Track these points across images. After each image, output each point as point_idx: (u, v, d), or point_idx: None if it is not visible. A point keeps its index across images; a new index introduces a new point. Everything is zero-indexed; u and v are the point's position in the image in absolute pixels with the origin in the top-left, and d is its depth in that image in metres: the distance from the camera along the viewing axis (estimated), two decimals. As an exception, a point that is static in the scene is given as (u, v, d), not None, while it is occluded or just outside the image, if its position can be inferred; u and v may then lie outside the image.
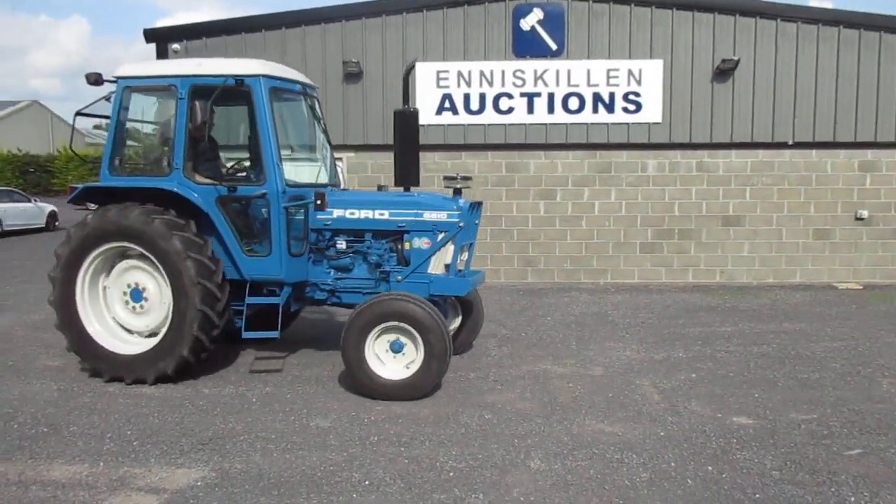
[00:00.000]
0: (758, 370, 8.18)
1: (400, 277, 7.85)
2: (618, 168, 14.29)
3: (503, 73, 14.13)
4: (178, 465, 5.60)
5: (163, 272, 7.36)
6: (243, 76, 7.44)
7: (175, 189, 7.48)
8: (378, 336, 7.15)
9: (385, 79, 14.15)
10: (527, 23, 13.98)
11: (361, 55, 14.08)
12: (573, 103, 14.10)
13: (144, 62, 8.24)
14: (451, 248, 7.85)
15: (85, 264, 7.58)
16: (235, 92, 7.56)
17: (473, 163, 14.44)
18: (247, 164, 8.46)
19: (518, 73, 14.12)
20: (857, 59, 13.91)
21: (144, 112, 8.53)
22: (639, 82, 13.98)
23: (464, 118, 14.28)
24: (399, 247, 7.95)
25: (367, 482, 5.31)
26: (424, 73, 14.08)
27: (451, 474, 5.44)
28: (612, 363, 8.52)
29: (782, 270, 14.48)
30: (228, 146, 9.36)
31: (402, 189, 8.47)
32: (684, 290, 13.95)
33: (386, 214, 7.87)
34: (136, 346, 7.66)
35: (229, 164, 8.67)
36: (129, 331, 7.82)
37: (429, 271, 7.83)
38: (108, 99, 8.18)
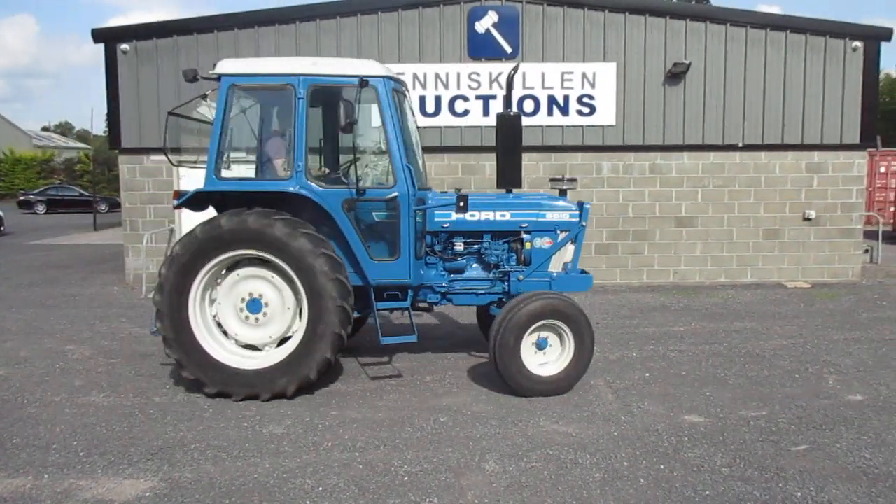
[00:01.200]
0: (709, 369, 8.32)
1: (521, 277, 7.94)
2: (573, 170, 14.41)
3: (458, 75, 14.15)
4: (126, 476, 5.47)
5: (298, 282, 7.01)
6: (368, 76, 7.14)
7: (305, 193, 7.15)
8: (530, 335, 7.22)
9: (340, 81, 14.04)
10: (482, 25, 14.03)
11: (314, 56, 13.94)
12: (528, 105, 14.18)
13: (243, 60, 7.62)
14: (570, 247, 8.10)
15: (203, 270, 7.08)
16: (332, 92, 7.44)
17: (430, 165, 14.33)
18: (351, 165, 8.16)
19: (473, 76, 14.16)
20: (803, 63, 14.26)
21: (250, 112, 8.13)
22: (593, 85, 14.13)
23: (420, 120, 14.17)
24: (519, 247, 8.04)
25: (320, 488, 5.25)
26: (380, 75, 14.01)
27: (406, 478, 5.42)
28: (568, 364, 8.57)
29: (733, 270, 14.76)
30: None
31: (503, 191, 8.33)
32: (639, 290, 14.13)
33: (507, 216, 7.94)
34: (256, 359, 7.23)
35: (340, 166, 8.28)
36: (241, 344, 7.34)
37: (549, 270, 8.00)
38: (203, 97, 7.83)
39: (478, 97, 14.24)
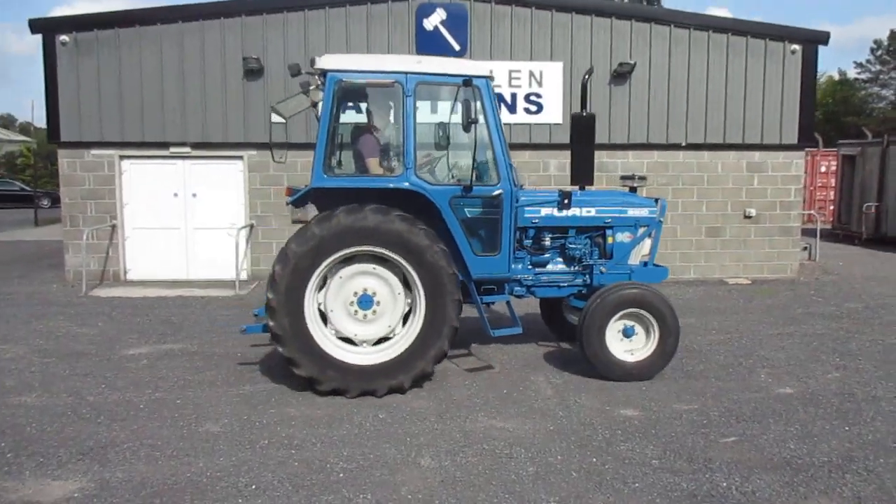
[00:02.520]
0: (647, 363, 8.49)
1: (604, 269, 8.32)
2: (520, 168, 14.42)
3: (407, 72, 14.11)
4: (55, 477, 5.36)
5: (416, 277, 7.13)
6: (472, 76, 7.29)
7: (418, 189, 7.25)
8: (616, 321, 7.61)
9: (287, 76, 13.88)
10: (430, 23, 14.04)
11: (262, 52, 13.81)
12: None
13: (344, 56, 7.62)
14: (648, 241, 8.56)
15: (321, 267, 7.06)
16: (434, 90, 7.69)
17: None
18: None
19: (422, 73, 14.12)
20: (744, 65, 14.60)
21: (354, 109, 8.20)
22: (540, 83, 14.27)
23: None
24: (601, 241, 8.40)
25: (253, 486, 5.23)
26: (327, 70, 13.93)
27: (341, 475, 5.42)
28: (510, 359, 8.66)
29: (677, 267, 15.02)
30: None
31: (577, 188, 8.56)
32: (585, 286, 14.29)
33: (593, 212, 8.30)
34: (370, 355, 7.28)
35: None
36: (346, 340, 7.35)
37: (628, 263, 8.44)
38: (305, 92, 7.77)
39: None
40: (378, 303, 7.27)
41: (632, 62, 14.14)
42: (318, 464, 5.61)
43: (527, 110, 14.31)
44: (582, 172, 7.77)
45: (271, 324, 7.06)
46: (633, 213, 8.42)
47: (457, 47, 14.13)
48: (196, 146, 13.97)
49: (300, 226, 13.95)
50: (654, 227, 8.56)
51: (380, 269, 7.28)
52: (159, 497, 5.06)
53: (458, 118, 7.15)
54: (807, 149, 15.78)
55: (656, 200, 8.62)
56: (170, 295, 12.73)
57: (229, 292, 12.90)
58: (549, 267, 8.45)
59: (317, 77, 7.55)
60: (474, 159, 7.34)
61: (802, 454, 5.83)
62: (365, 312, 7.27)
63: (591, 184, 8.26)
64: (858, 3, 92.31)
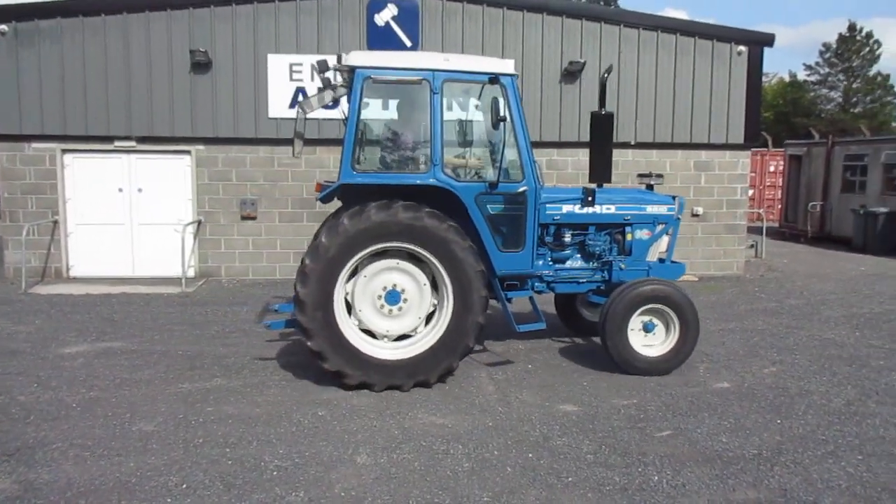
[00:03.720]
0: (590, 360, 8.56)
1: (623, 266, 8.46)
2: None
3: (358, 67, 14.02)
4: (-23, 479, 5.21)
5: (444, 274, 7.21)
6: (499, 74, 7.41)
7: (445, 186, 7.31)
8: (638, 316, 7.76)
9: (236, 70, 13.74)
10: (381, 18, 13.96)
11: (210, 45, 13.59)
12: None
13: (372, 53, 7.74)
14: (666, 238, 8.75)
15: (351, 262, 7.12)
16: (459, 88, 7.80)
17: (328, 157, 14.25)
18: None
19: (373, 69, 14.05)
20: (692, 66, 14.82)
21: (380, 105, 8.40)
22: (491, 81, 14.26)
23: (319, 112, 13.82)
24: (621, 238, 8.54)
25: (184, 486, 5.14)
26: (276, 65, 13.79)
27: (275, 473, 5.37)
28: (455, 356, 8.65)
29: (626, 264, 15.21)
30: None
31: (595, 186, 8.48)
32: (535, 283, 14.38)
33: (613, 209, 8.42)
34: (391, 350, 7.35)
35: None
36: (367, 333, 7.42)
37: (646, 260, 8.58)
38: (332, 88, 7.88)
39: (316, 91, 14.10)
40: (405, 299, 7.37)
41: (582, 61, 14.26)
42: (252, 462, 5.54)
43: (477, 107, 14.28)
44: (600, 170, 7.82)
45: (300, 317, 7.06)
46: (651, 210, 8.58)
47: (408, 43, 14.08)
48: (142, 140, 13.69)
49: (250, 221, 13.91)
50: (672, 224, 8.75)
51: (406, 265, 7.37)
52: (85, 498, 4.95)
53: (481, 115, 7.33)
54: (755, 149, 16.06)
55: (674, 198, 8.81)
56: (113, 292, 12.46)
57: (175, 289, 12.68)
58: (569, 263, 8.57)
59: (340, 74, 7.71)
60: (501, 156, 7.45)
61: (734, 447, 5.94)
62: (392, 308, 7.36)
63: (609, 182, 8.32)
64: (809, 6, 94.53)
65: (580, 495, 5.08)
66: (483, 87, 7.55)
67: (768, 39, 15.08)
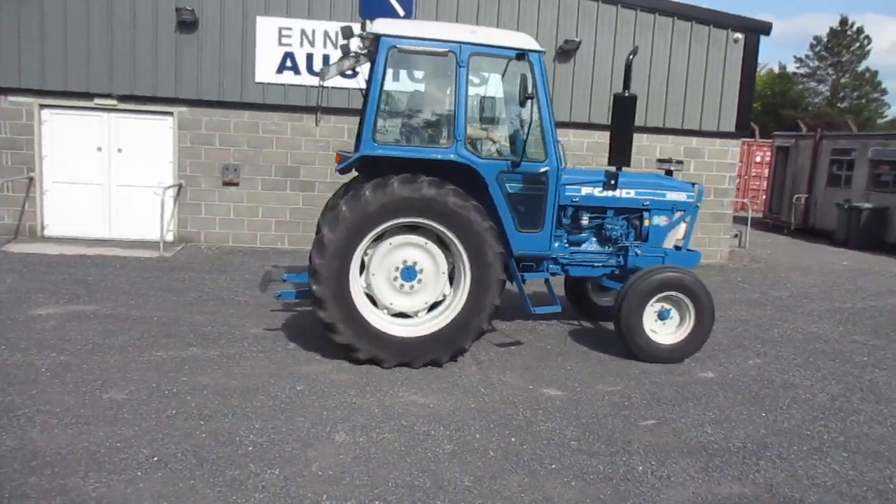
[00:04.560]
0: (574, 344, 8.46)
1: (639, 252, 8.35)
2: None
3: (350, 35, 13.69)
4: (-63, 443, 4.99)
5: (464, 254, 7.08)
6: (526, 49, 7.23)
7: (468, 162, 7.15)
8: (654, 303, 7.68)
9: (224, 29, 13.34)
10: (375, -16, 13.61)
11: (198, 2, 13.17)
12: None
13: (399, 21, 7.58)
14: (683, 225, 8.61)
15: (370, 235, 6.97)
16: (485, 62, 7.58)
17: (314, 125, 13.97)
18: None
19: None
20: (688, 51, 14.63)
21: (406, 76, 8.23)
22: (485, 56, 13.99)
23: (306, 79, 13.73)
24: (638, 223, 8.39)
25: (155, 458, 4.96)
26: (265, 28, 13.41)
27: (250, 448, 5.20)
28: (437, 334, 8.50)
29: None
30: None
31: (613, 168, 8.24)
32: (519, 263, 14.25)
33: (632, 193, 8.28)
34: (409, 327, 7.22)
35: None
36: (391, 313, 7.30)
37: (663, 246, 8.45)
38: (356, 57, 7.72)
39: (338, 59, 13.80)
40: (420, 280, 7.22)
41: (577, 40, 14.02)
42: (227, 436, 5.36)
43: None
44: (620, 153, 7.59)
45: (314, 287, 6.87)
46: (671, 196, 8.47)
47: (401, 12, 13.71)
48: (123, 99, 13.28)
49: (232, 187, 13.60)
50: (691, 211, 8.63)
51: (434, 248, 7.24)
52: (51, 468, 4.75)
53: (503, 91, 7.25)
54: (742, 138, 15.96)
55: (693, 185, 8.70)
56: (89, 253, 12.14)
57: (153, 253, 12.38)
58: (585, 246, 8.42)
59: (362, 42, 7.52)
60: (527, 135, 7.30)
61: (718, 439, 5.86)
62: (404, 283, 7.20)
63: (629, 165, 8.12)
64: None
65: (564, 483, 4.97)
66: (508, 63, 7.35)
67: (765, 28, 14.92)
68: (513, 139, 8.10)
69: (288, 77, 13.69)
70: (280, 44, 13.55)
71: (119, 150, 13.47)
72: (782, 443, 5.86)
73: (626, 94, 7.94)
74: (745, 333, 9.35)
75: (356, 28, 7.45)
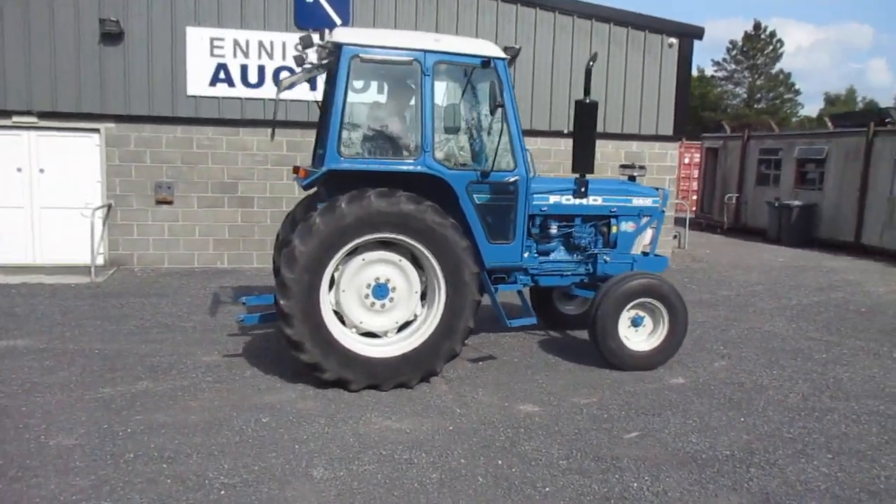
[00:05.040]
0: (540, 355, 8.28)
1: (608, 258, 8.21)
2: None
3: (284, 44, 13.26)
4: None
5: (440, 273, 6.84)
6: (491, 57, 7.08)
7: (436, 174, 6.89)
8: (628, 311, 7.57)
9: (152, 41, 12.70)
10: (310, -7, 13.23)
11: (122, 13, 12.50)
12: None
13: (359, 29, 7.40)
14: (650, 231, 8.55)
15: (343, 250, 6.64)
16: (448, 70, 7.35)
17: (252, 140, 13.47)
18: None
19: (300, 47, 13.29)
20: (625, 56, 14.77)
21: (366, 86, 7.97)
22: (425, 64, 13.78)
23: (241, 91, 13.24)
24: (606, 230, 8.31)
25: (117, 511, 4.49)
26: (196, 39, 12.85)
27: (222, 492, 4.78)
28: (400, 353, 8.19)
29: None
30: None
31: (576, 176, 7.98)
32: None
33: (600, 200, 8.16)
34: (378, 347, 6.90)
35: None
36: (360, 332, 6.99)
37: (631, 253, 8.37)
38: (317, 67, 7.55)
39: (291, 71, 13.38)
40: (391, 299, 6.94)
41: (516, 47, 13.96)
42: (195, 479, 4.92)
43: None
44: (583, 161, 7.42)
45: (282, 302, 6.51)
46: (637, 202, 8.40)
47: (338, 21, 13.40)
48: (44, 116, 12.48)
49: (165, 206, 12.95)
50: (657, 216, 8.58)
51: (407, 266, 6.97)
52: (-1, 530, 4.24)
53: (467, 100, 7.14)
54: (680, 141, 16.22)
55: (658, 189, 8.67)
56: (12, 282, 11.32)
57: (83, 279, 11.64)
58: (553, 256, 8.27)
59: (319, 51, 7.28)
60: (498, 144, 7.12)
61: (705, 448, 5.74)
62: (375, 301, 6.91)
63: (593, 172, 7.94)
64: (714, 4, 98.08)
65: (561, 507, 4.74)
66: (472, 71, 7.14)
67: (698, 32, 15.22)
68: (479, 148, 7.88)
69: (222, 90, 13.15)
70: (212, 55, 13.01)
71: (41, 171, 12.64)
72: (767, 448, 5.79)
73: (588, 101, 7.85)
74: (704, 336, 9.35)
75: (316, 38, 7.12)
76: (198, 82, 12.96)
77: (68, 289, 11.00)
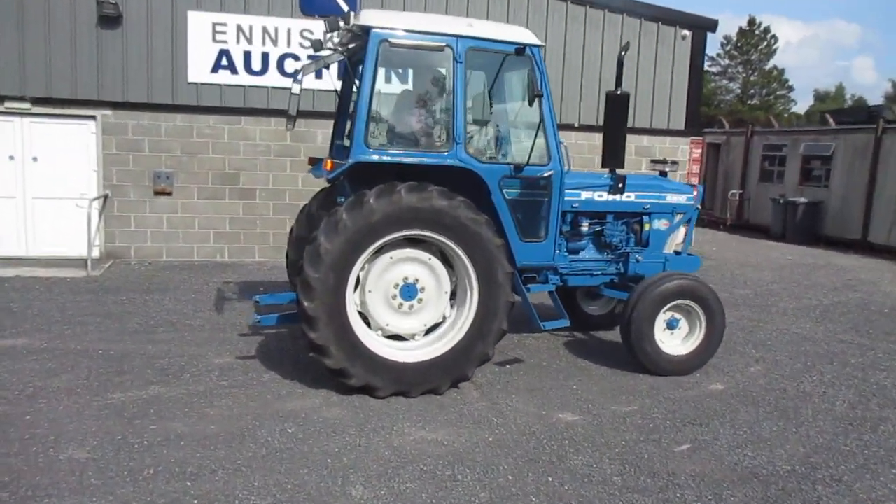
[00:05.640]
0: (568, 357, 7.91)
1: (640, 258, 7.87)
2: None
3: (289, 31, 12.79)
4: None
5: (473, 273, 6.41)
6: (526, 44, 6.66)
7: (469, 167, 6.50)
8: (666, 312, 7.23)
9: (151, 25, 12.17)
10: (317, -23, 12.74)
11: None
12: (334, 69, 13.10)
13: (387, 12, 7.05)
14: (683, 229, 8.21)
15: (371, 248, 6.21)
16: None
17: (254, 129, 12.98)
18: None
19: (306, 34, 12.83)
20: (637, 48, 14.38)
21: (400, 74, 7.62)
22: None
23: (244, 78, 12.74)
24: (638, 228, 7.95)
25: (143, 537, 4.07)
26: (198, 23, 12.32)
27: (256, 514, 4.36)
28: (421, 355, 7.78)
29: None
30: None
31: (607, 171, 7.62)
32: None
33: (633, 197, 7.79)
34: (407, 351, 6.48)
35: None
36: (386, 335, 6.57)
37: (663, 251, 8.01)
38: (326, 67, 7.32)
39: (311, 57, 12.90)
40: (420, 299, 6.54)
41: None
42: (224, 500, 4.51)
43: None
44: (614, 155, 7.05)
45: (306, 304, 6.06)
46: (671, 199, 8.05)
47: (345, 7, 12.91)
48: (38, 102, 11.90)
49: (164, 197, 12.46)
50: (691, 214, 8.25)
51: (437, 264, 6.56)
52: (12, 559, 3.80)
53: (499, 89, 6.82)
54: (692, 136, 15.89)
55: (693, 186, 8.31)
56: (6, 275, 10.79)
57: (80, 272, 11.13)
58: (583, 254, 7.88)
59: (341, 35, 6.85)
60: (535, 137, 6.72)
61: (763, 462, 5.39)
62: (403, 302, 6.50)
63: (623, 167, 7.54)
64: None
65: (626, 532, 4.37)
66: (504, 59, 6.73)
67: (712, 25, 14.89)
68: (511, 141, 7.48)
69: (224, 77, 12.64)
70: (214, 41, 12.49)
71: (34, 159, 12.08)
72: (827, 462, 5.45)
73: (619, 93, 7.48)
74: (732, 337, 8.98)
75: (341, 22, 6.67)
76: (199, 69, 12.45)
77: (64, 283, 10.49)
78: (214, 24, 12.44)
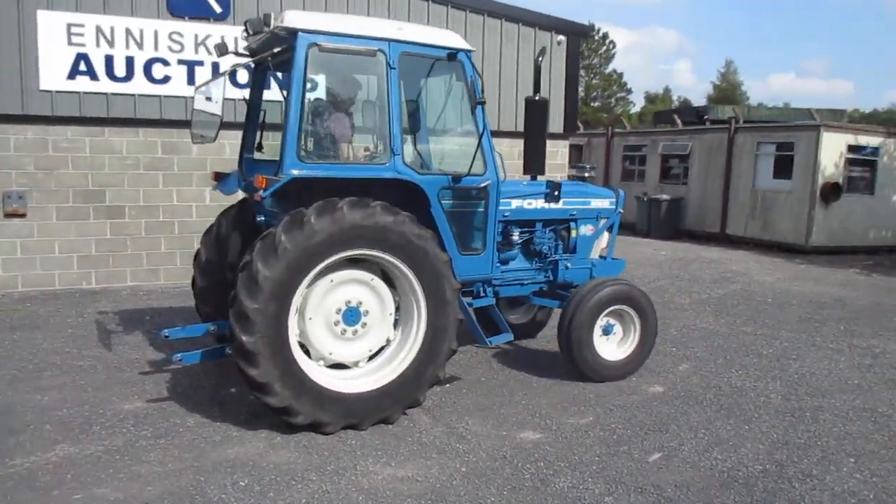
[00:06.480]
0: (505, 369, 7.67)
1: (569, 265, 7.77)
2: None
3: (156, 33, 11.70)
4: None
5: (420, 292, 6.01)
6: (457, 49, 6.33)
7: (408, 179, 6.11)
8: (602, 318, 7.16)
9: (-7, 27, 10.74)
10: (186, -24, 11.78)
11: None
12: (242, 75, 12.24)
13: (313, 14, 6.02)
14: (606, 234, 8.13)
15: (314, 272, 5.65)
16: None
17: (120, 141, 11.78)
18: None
19: (175, 37, 11.82)
20: (516, 53, 14.48)
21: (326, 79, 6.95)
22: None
23: (106, 85, 11.52)
24: (566, 235, 7.83)
25: None
26: (50, 24, 10.98)
27: (238, 592, 3.74)
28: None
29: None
30: None
31: (530, 178, 7.58)
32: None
33: (561, 204, 7.57)
34: (352, 380, 5.99)
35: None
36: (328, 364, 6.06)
37: (590, 257, 7.94)
38: (232, 74, 6.98)
39: (181, 62, 11.93)
40: (364, 324, 6.06)
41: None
42: (194, 578, 3.84)
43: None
44: (535, 161, 6.82)
45: (244, 338, 5.40)
46: (595, 204, 7.99)
47: (218, 9, 12.02)
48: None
49: (17, 219, 11.06)
50: (614, 218, 8.21)
51: (379, 285, 6.11)
52: None
53: (431, 97, 6.58)
54: (570, 139, 16.27)
55: (615, 190, 8.27)
56: None
57: (-80, 313, 9.57)
58: (513, 264, 7.65)
59: (250, 39, 6.37)
60: (478, 146, 6.33)
61: (734, 464, 5.41)
62: (346, 328, 6.00)
63: (544, 174, 7.29)
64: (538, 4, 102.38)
65: (643, 558, 4.15)
66: (433, 64, 6.35)
67: (587, 31, 15.34)
68: (445, 150, 7.13)
69: (83, 83, 11.36)
70: (70, 43, 11.19)
71: None
72: (791, 458, 5.55)
73: (537, 98, 7.38)
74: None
75: (230, 44, 6.14)
76: (53, 75, 11.10)
77: None
78: (70, 26, 11.14)
